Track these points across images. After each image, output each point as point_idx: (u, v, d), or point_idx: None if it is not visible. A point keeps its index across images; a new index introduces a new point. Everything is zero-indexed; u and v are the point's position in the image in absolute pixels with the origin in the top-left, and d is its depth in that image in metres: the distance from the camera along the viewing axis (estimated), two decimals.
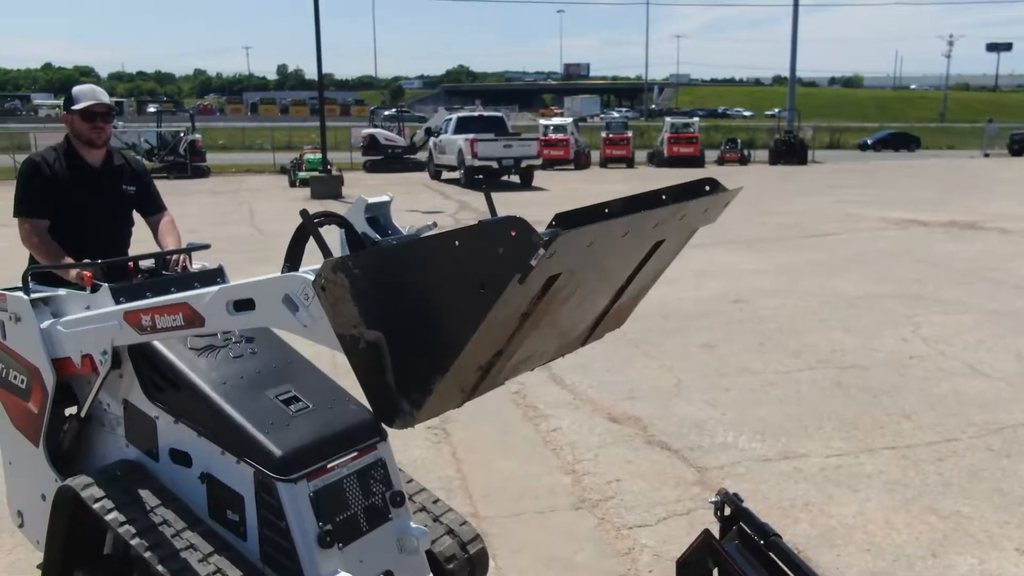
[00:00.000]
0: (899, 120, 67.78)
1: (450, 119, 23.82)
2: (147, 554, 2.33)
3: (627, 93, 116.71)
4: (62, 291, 2.91)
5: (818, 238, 13.26)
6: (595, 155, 30.86)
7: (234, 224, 15.05)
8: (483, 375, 1.93)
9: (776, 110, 59.76)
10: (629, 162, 30.18)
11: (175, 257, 3.25)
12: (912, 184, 23.59)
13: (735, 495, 1.99)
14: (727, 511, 1.96)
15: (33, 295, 2.85)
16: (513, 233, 1.55)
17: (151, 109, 65.03)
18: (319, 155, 20.99)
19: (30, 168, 3.69)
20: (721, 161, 31.24)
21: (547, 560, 3.76)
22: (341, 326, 1.81)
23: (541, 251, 1.52)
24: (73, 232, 3.64)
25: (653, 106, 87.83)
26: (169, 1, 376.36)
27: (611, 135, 30.20)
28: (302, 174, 21.12)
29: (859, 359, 6.65)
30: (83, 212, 3.68)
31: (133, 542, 2.38)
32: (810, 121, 41.71)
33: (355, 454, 2.57)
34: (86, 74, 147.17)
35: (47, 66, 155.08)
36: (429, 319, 1.70)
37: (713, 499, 2.01)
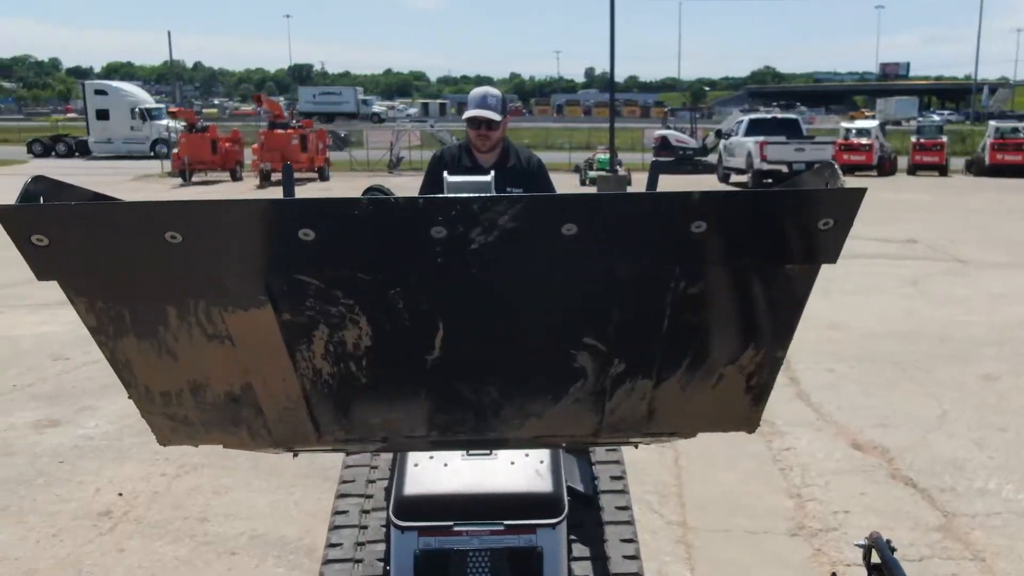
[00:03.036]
0: None
1: (742, 121, 23.13)
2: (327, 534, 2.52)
3: (951, 94, 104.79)
4: None
5: None
6: (904, 161, 28.25)
7: None
8: (238, 408, 1.50)
9: None
10: (942, 170, 27.15)
11: None
12: None
13: (887, 541, 1.78)
14: (874, 558, 1.76)
15: None
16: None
17: None
18: (604, 156, 21.46)
19: (431, 161, 4.01)
20: None
21: None
22: None
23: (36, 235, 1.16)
24: None
25: (982, 109, 77.95)
26: (491, 10, 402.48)
27: (922, 140, 27.36)
28: (591, 173, 21.70)
29: None
30: None
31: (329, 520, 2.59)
32: None
33: (500, 528, 2.03)
34: (419, 78, 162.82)
35: (387, 71, 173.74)
36: None
37: (861, 542, 1.81)
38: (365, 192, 2.30)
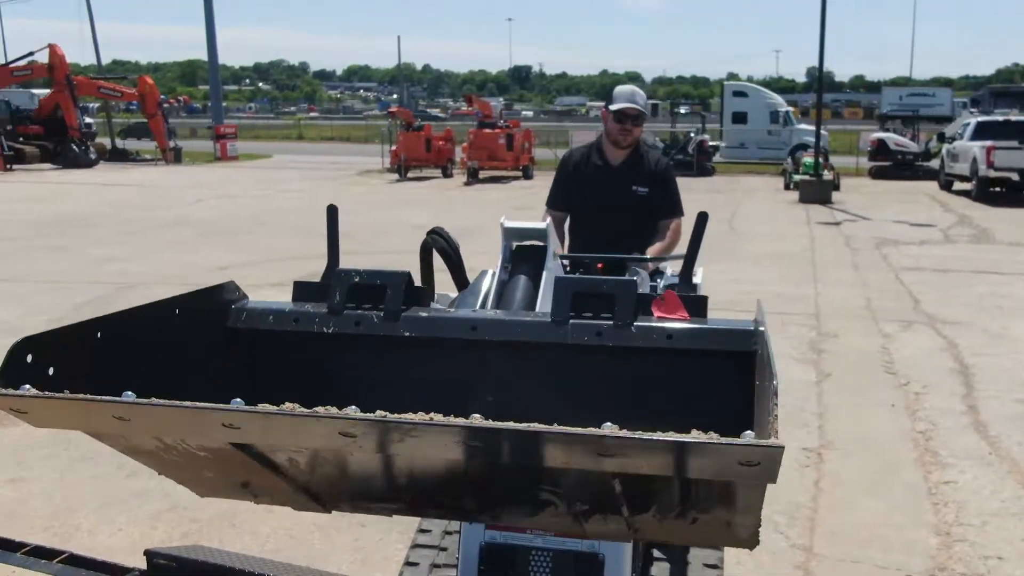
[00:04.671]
0: None
1: (968, 123, 21.04)
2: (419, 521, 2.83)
3: None
4: None
5: None
6: None
7: (713, 221, 15.41)
8: (251, 489, 1.69)
9: None
10: None
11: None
12: None
13: None
14: None
15: None
16: None
17: (681, 111, 68.89)
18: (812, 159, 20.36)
19: (559, 162, 4.16)
20: None
21: None
22: None
23: None
24: (580, 227, 3.86)
25: None
26: (709, 8, 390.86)
27: None
28: (796, 177, 20.72)
29: None
30: (590, 209, 3.82)
31: None
32: None
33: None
34: (633, 79, 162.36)
35: (603, 72, 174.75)
36: None
37: None
38: (428, 234, 2.39)
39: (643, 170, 3.83)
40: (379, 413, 1.18)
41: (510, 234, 2.25)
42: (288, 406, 1.22)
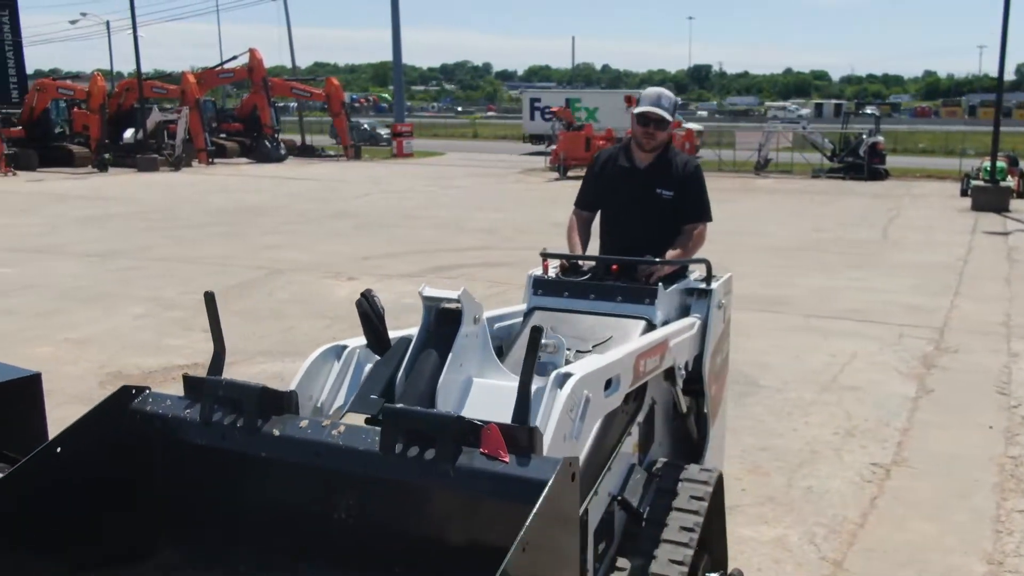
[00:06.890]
0: None
1: None
2: None
3: None
4: None
5: None
6: None
7: (865, 228, 14.73)
8: None
9: None
10: None
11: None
12: None
13: None
14: None
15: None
16: None
17: (868, 111, 64.98)
18: (1000, 163, 18.76)
19: (590, 162, 4.14)
20: None
21: None
22: None
23: None
24: (606, 228, 3.92)
25: None
26: (902, 3, 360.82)
27: None
28: (973, 182, 19.18)
29: None
30: (615, 210, 3.89)
31: None
32: None
33: None
34: (820, 78, 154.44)
35: (787, 71, 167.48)
36: None
37: None
38: (361, 295, 2.47)
39: (669, 172, 3.77)
40: None
41: (429, 301, 2.37)
42: None
